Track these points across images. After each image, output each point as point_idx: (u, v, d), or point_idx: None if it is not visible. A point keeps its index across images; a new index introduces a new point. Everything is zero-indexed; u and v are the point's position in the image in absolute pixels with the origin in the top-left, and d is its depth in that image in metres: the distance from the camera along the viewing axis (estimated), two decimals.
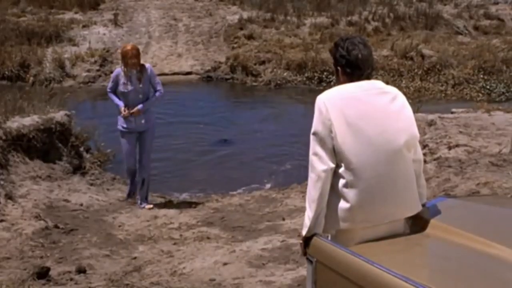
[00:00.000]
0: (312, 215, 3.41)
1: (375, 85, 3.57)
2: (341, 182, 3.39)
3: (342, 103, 3.42)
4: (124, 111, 8.10)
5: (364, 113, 3.41)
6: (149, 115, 8.32)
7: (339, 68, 3.61)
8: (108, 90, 8.33)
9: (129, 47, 8.15)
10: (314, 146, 3.41)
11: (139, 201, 8.47)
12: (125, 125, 8.20)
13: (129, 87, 8.08)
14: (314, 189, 3.39)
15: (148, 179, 8.48)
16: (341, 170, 3.38)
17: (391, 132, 3.42)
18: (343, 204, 3.40)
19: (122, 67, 8.19)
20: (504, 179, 6.95)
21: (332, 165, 3.37)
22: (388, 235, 3.44)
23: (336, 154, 3.38)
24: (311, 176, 3.40)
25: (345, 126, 3.36)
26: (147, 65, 8.33)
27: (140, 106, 8.12)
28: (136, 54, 8.07)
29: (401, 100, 3.56)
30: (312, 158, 3.40)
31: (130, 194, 8.73)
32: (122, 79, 8.11)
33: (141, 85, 8.11)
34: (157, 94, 8.25)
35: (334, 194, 3.42)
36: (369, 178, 3.37)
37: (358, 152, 3.35)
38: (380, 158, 3.38)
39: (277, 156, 11.28)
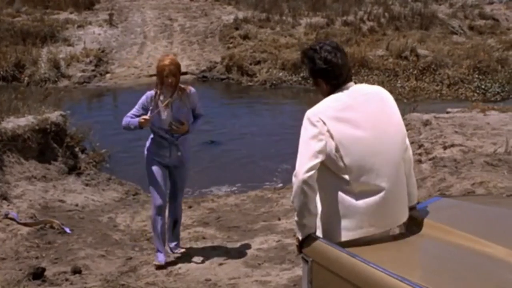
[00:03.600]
0: (301, 220, 3.40)
1: (361, 90, 3.52)
2: (345, 192, 3.34)
3: (337, 116, 3.35)
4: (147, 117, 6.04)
5: (359, 122, 3.36)
6: (187, 144, 6.40)
7: (320, 80, 3.51)
8: (128, 116, 6.17)
9: (166, 61, 6.01)
10: (302, 158, 3.33)
11: (170, 247, 6.56)
12: (157, 159, 6.28)
13: (168, 117, 6.12)
14: (298, 199, 3.35)
15: (180, 220, 6.74)
16: (344, 181, 3.34)
17: (386, 138, 3.40)
18: (348, 215, 3.35)
19: (157, 89, 6.14)
20: (499, 178, 6.96)
21: (315, 176, 3.30)
22: (384, 236, 3.45)
23: (335, 166, 3.33)
24: (295, 188, 3.34)
25: (344, 138, 3.31)
26: (191, 89, 6.30)
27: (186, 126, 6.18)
28: (175, 71, 6.01)
29: (388, 101, 3.52)
30: (298, 168, 3.32)
31: (161, 254, 6.32)
32: (157, 103, 6.10)
33: (183, 114, 6.17)
34: (200, 120, 6.39)
35: (338, 205, 3.37)
36: (372, 186, 3.35)
37: (361, 163, 3.32)
38: (380, 165, 3.36)
39: (273, 156, 11.28)
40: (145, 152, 6.36)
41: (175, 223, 6.57)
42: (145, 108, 6.09)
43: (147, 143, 6.36)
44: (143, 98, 6.14)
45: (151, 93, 6.14)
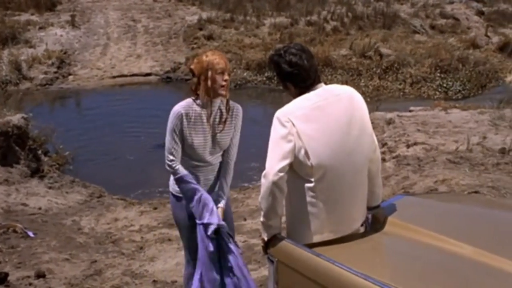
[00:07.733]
0: (267, 221, 3.42)
1: (331, 91, 3.50)
2: (310, 195, 3.35)
3: (306, 117, 3.34)
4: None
5: (329, 123, 3.36)
6: None
7: (289, 83, 3.50)
8: (171, 160, 4.30)
9: (216, 55, 4.26)
10: (272, 159, 3.32)
11: None
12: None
13: (206, 136, 4.36)
14: (265, 201, 3.36)
15: None
16: (309, 183, 3.34)
17: (355, 139, 3.41)
18: (313, 218, 3.37)
19: (201, 95, 4.30)
20: (461, 176, 7.07)
21: (285, 177, 3.31)
22: (348, 235, 3.47)
23: (302, 168, 3.33)
24: (264, 189, 3.35)
25: (312, 140, 3.31)
26: (238, 106, 4.56)
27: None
28: (228, 67, 4.29)
29: (358, 102, 3.50)
30: (268, 169, 3.31)
31: None
32: (196, 120, 4.30)
33: (225, 133, 4.46)
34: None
35: (302, 207, 3.38)
36: (337, 189, 3.37)
37: (327, 164, 3.31)
38: (346, 168, 3.37)
39: (240, 156, 11.25)
40: (175, 196, 4.57)
41: None
42: (181, 132, 4.27)
43: (173, 185, 4.54)
44: (173, 119, 4.25)
45: (181, 108, 4.26)
